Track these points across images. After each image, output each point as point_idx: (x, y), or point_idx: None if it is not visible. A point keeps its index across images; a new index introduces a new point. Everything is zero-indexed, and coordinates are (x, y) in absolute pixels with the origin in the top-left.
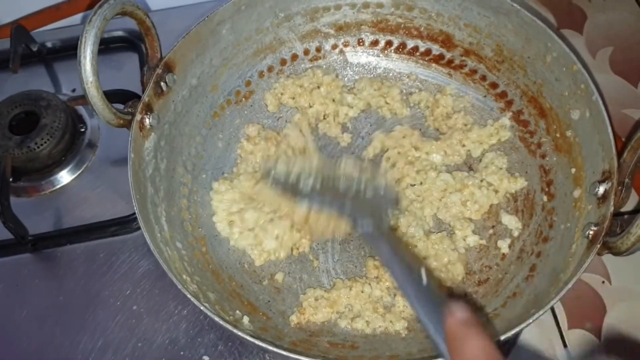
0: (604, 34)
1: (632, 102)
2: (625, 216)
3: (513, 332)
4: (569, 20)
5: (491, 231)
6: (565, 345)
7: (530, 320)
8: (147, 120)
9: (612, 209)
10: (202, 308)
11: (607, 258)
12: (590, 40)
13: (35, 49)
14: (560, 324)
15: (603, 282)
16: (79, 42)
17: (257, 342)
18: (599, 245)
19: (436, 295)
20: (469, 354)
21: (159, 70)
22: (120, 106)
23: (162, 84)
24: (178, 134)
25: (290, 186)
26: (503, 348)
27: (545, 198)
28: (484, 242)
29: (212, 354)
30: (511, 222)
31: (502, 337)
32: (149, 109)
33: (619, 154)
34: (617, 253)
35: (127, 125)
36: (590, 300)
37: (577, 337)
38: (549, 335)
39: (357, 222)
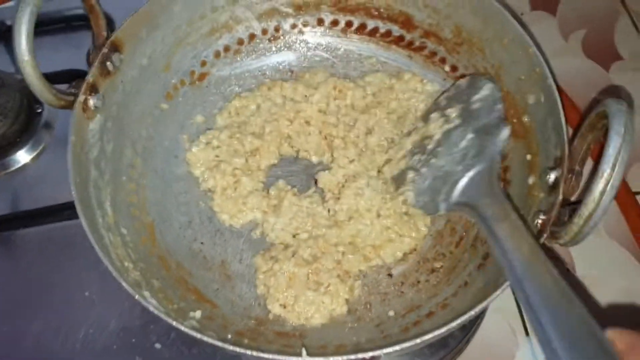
0: (577, 16)
1: (603, 86)
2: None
3: (459, 321)
4: (542, 2)
5: (446, 218)
6: (527, 333)
7: (472, 313)
8: (91, 101)
9: (560, 197)
10: (137, 297)
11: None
12: (563, 23)
13: None
14: (523, 311)
15: (568, 270)
16: (15, 19)
17: (194, 334)
18: (545, 235)
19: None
20: None
21: (105, 50)
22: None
23: (108, 63)
24: (127, 115)
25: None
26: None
27: (501, 185)
28: (439, 228)
29: (165, 342)
30: None
31: (450, 327)
32: (93, 89)
33: (571, 140)
34: (563, 243)
35: (70, 106)
36: None
37: None
38: (511, 322)
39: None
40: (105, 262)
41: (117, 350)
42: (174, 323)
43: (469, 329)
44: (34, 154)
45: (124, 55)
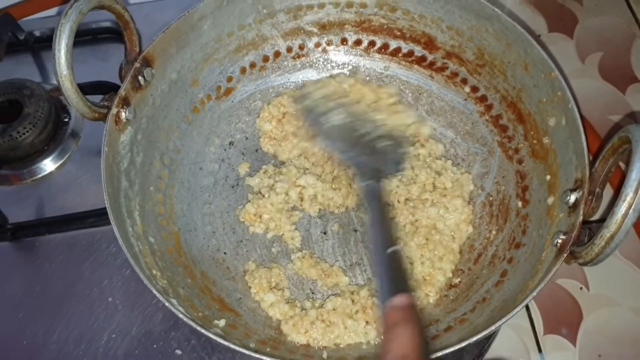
0: (594, 38)
1: (619, 109)
2: (593, 224)
3: (477, 337)
4: (559, 24)
5: (466, 235)
6: (540, 351)
7: (493, 328)
8: (123, 114)
9: (581, 218)
10: (167, 304)
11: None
12: (580, 45)
13: (22, 37)
14: (537, 329)
15: (581, 288)
16: (54, 35)
17: (220, 340)
18: (565, 255)
19: (399, 276)
20: (397, 340)
21: (137, 65)
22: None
23: (140, 78)
24: (156, 128)
25: (316, 116)
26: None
27: (520, 204)
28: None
29: (185, 348)
30: None
31: (467, 343)
32: (125, 102)
33: (592, 163)
34: (583, 263)
35: (103, 118)
36: (568, 307)
37: (553, 342)
38: (524, 339)
39: (359, 176)
40: (136, 270)
41: (138, 356)
42: (202, 330)
43: (483, 344)
44: (60, 162)
45: (155, 70)
